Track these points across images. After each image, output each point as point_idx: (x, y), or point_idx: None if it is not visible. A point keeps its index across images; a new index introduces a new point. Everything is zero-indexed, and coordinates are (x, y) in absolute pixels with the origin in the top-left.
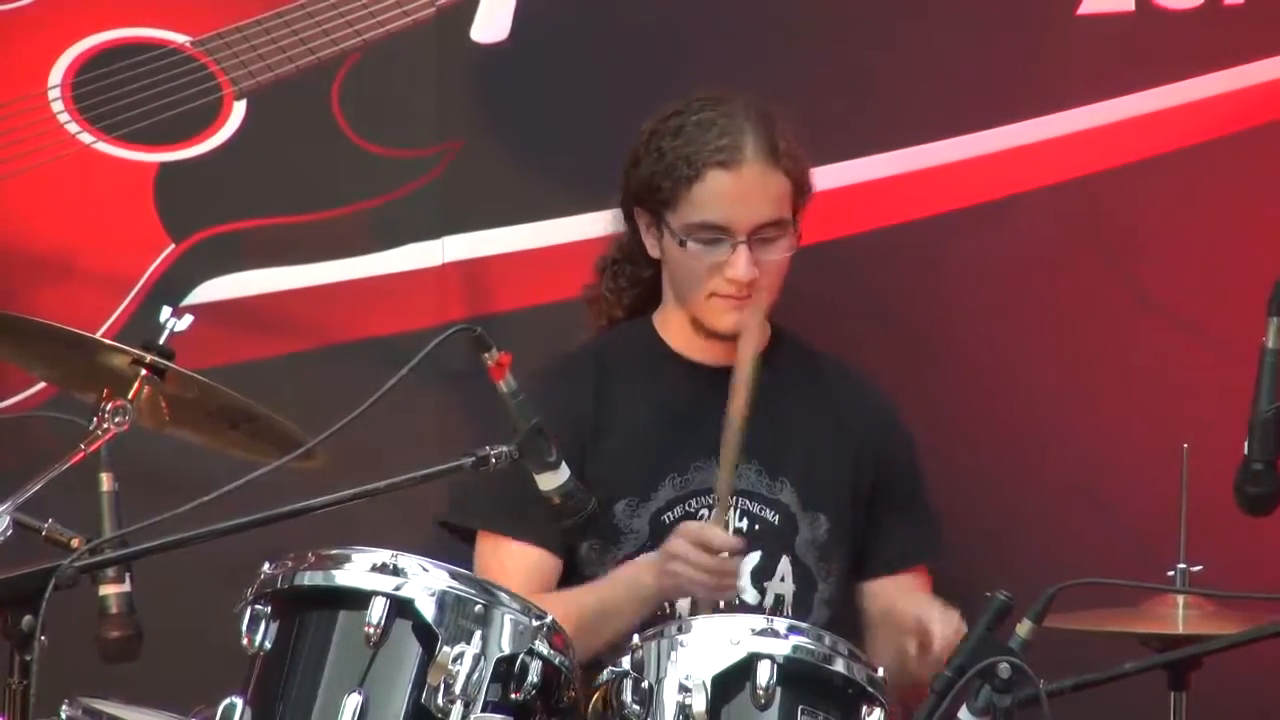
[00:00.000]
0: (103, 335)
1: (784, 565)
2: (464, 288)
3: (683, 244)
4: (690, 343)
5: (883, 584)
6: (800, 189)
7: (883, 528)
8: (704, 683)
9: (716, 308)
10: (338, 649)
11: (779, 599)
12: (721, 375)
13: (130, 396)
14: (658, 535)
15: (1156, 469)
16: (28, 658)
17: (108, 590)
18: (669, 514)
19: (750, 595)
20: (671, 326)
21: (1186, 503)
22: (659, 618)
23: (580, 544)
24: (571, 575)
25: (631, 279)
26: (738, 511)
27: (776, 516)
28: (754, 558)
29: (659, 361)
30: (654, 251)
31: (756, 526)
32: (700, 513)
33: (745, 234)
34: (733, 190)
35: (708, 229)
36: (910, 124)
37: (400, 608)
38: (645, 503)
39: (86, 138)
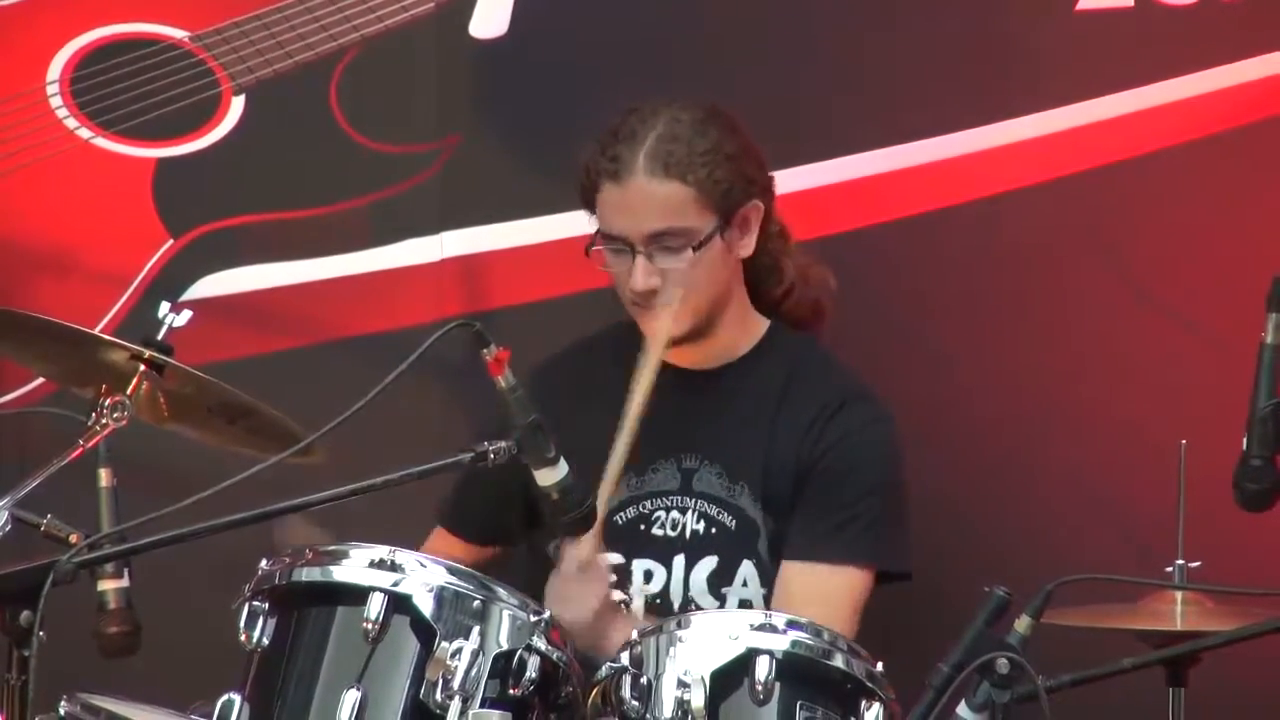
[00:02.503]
0: (101, 331)
1: (746, 570)
2: (462, 283)
3: (589, 252)
4: None
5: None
6: (716, 194)
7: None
8: (702, 678)
9: (638, 315)
10: (336, 645)
11: (744, 604)
12: (686, 377)
13: (129, 392)
14: (609, 535)
15: (1154, 465)
16: (26, 653)
17: (106, 586)
18: (621, 514)
19: (708, 601)
20: None
21: (1185, 499)
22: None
23: (549, 543)
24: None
25: None
26: (695, 514)
27: (734, 521)
28: (710, 562)
29: (630, 361)
30: None
31: (713, 530)
32: (656, 515)
33: (640, 244)
34: (621, 201)
35: (609, 239)
36: (908, 119)
37: (398, 603)
38: None
39: (85, 133)
